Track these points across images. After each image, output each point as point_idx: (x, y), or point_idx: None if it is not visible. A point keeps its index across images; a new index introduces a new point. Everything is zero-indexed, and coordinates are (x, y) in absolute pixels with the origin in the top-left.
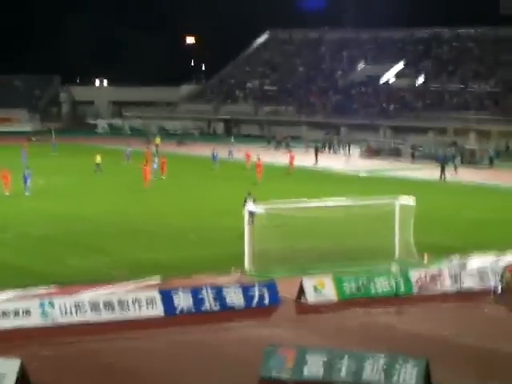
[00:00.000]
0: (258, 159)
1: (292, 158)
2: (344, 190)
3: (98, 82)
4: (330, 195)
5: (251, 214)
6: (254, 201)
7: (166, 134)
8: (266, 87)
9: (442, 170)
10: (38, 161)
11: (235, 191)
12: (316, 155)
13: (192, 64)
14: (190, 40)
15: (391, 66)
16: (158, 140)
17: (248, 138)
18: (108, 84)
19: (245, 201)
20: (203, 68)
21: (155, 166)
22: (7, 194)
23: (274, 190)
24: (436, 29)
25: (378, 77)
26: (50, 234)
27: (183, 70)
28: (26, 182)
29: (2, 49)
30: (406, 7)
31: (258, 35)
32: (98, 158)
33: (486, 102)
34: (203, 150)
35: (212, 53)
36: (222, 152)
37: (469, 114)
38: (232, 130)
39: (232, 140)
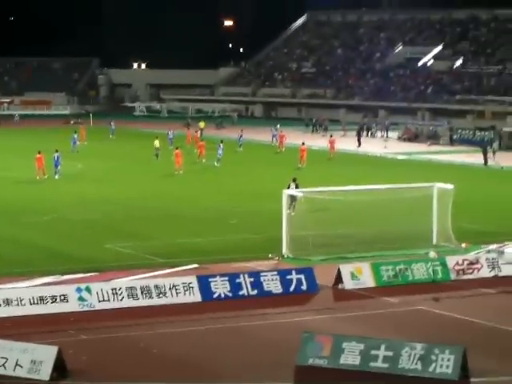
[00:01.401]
0: (303, 144)
1: (333, 142)
2: (383, 175)
3: (135, 65)
4: (369, 180)
5: (292, 198)
6: (297, 186)
7: (204, 117)
8: (304, 69)
9: (484, 155)
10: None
11: (276, 175)
12: (358, 139)
13: (230, 46)
14: (228, 22)
15: (429, 48)
16: (202, 124)
17: (285, 121)
18: (146, 67)
19: (288, 186)
20: (241, 51)
21: (220, 151)
22: (39, 178)
23: (315, 175)
24: (473, 10)
25: (416, 59)
26: (88, 218)
27: (221, 53)
28: (56, 165)
29: (41, 32)
30: None
31: (296, 17)
32: (157, 143)
33: None
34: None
35: (250, 35)
36: (262, 136)
37: (507, 97)
38: (272, 114)
39: (278, 127)
